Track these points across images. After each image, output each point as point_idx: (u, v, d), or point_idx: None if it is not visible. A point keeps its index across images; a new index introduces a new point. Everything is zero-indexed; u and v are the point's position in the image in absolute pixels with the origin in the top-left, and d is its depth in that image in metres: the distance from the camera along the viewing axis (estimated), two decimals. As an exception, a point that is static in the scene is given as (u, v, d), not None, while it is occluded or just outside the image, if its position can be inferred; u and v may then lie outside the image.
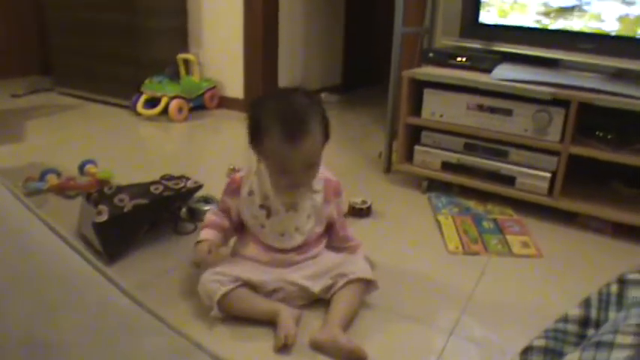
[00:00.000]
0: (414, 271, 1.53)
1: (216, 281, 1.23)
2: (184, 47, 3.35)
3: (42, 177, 1.93)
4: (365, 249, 1.43)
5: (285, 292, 1.27)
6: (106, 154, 2.31)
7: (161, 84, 3.04)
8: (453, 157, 2.00)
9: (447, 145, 2.01)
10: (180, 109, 3.03)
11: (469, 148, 1.97)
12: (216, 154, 2.62)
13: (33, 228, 0.46)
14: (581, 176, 1.92)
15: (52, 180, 1.92)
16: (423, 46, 2.43)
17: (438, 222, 1.83)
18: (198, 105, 3.22)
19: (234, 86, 3.34)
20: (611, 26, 1.80)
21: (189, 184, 1.67)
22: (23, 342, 0.40)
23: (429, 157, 2.04)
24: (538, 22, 1.93)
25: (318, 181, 1.31)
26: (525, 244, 1.69)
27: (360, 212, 1.85)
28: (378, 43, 3.95)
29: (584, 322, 0.63)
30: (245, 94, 3.29)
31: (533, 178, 1.85)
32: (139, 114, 3.06)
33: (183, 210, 1.76)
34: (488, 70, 1.95)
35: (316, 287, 1.28)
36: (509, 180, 1.90)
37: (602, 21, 1.81)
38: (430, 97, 2.00)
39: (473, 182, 1.97)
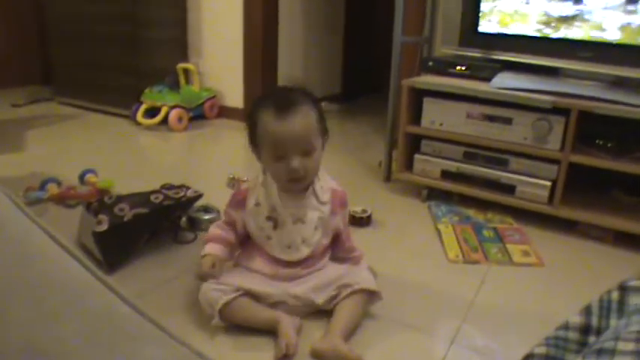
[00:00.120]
0: (415, 280, 1.53)
1: (218, 290, 1.23)
2: (184, 57, 3.36)
3: (42, 186, 1.93)
4: (365, 258, 1.43)
5: (288, 306, 1.27)
6: (106, 164, 2.32)
7: (161, 93, 3.04)
8: (453, 166, 2.00)
9: (446, 153, 2.02)
10: (180, 119, 3.04)
11: (469, 157, 1.98)
12: (216, 164, 2.62)
13: (34, 236, 0.46)
14: (581, 185, 1.92)
15: (53, 189, 1.92)
16: (423, 55, 2.44)
17: (438, 231, 1.83)
18: (197, 114, 3.22)
19: (234, 96, 3.34)
20: (612, 35, 1.80)
21: (190, 193, 1.67)
22: (23, 350, 0.40)
23: (429, 166, 2.04)
24: (539, 31, 1.93)
25: (325, 192, 1.31)
26: (526, 253, 1.69)
27: (360, 221, 1.85)
28: (377, 52, 3.97)
29: (585, 330, 0.62)
30: (245, 104, 3.30)
31: (534, 186, 1.85)
32: (139, 123, 3.06)
33: (184, 219, 1.76)
34: (488, 79, 1.96)
35: (320, 299, 1.28)
36: (509, 188, 1.90)
37: (604, 30, 1.81)
38: (430, 106, 2.01)
39: (473, 191, 1.97)
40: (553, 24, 1.90)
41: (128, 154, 2.67)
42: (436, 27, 2.42)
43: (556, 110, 1.76)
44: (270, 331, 1.21)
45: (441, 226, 1.85)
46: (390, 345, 1.23)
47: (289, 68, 3.50)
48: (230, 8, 3.19)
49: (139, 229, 1.55)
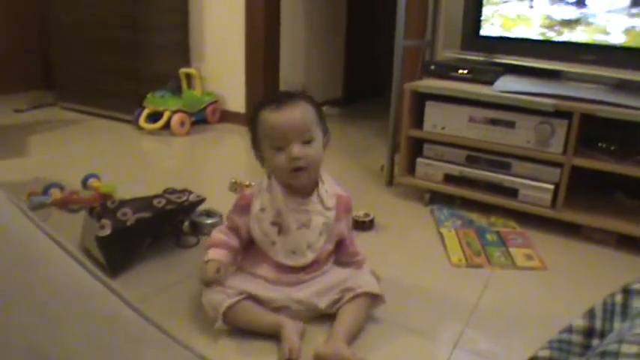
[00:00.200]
0: (417, 284, 1.53)
1: (221, 293, 1.23)
2: (186, 62, 3.37)
3: (45, 191, 1.94)
4: (368, 262, 1.42)
5: (291, 311, 1.26)
6: (108, 168, 2.32)
7: (163, 98, 3.05)
8: (456, 170, 2.00)
9: (449, 157, 2.01)
10: (182, 123, 3.04)
11: (471, 161, 1.97)
12: (218, 168, 2.63)
13: (37, 240, 0.46)
14: (584, 188, 1.92)
15: (56, 194, 1.93)
16: (425, 58, 2.44)
17: (440, 234, 1.83)
18: (200, 119, 3.23)
19: (236, 100, 3.35)
20: (617, 39, 1.80)
21: (192, 197, 1.67)
22: (26, 354, 0.40)
23: (431, 170, 2.04)
24: (542, 34, 1.93)
25: (330, 197, 1.31)
26: (529, 257, 1.69)
27: (362, 225, 1.85)
28: (379, 56, 3.97)
29: (589, 333, 0.62)
30: (247, 109, 3.30)
31: (536, 190, 1.85)
32: (141, 128, 3.07)
33: (186, 223, 1.76)
34: (490, 82, 1.96)
35: (322, 303, 1.27)
36: (512, 192, 1.89)
37: (608, 34, 1.80)
38: (432, 110, 2.01)
39: (475, 195, 1.96)
40: (556, 27, 1.90)
41: (131, 159, 2.67)
42: (438, 30, 2.43)
43: (559, 113, 1.76)
44: (273, 335, 1.21)
45: (443, 230, 1.85)
46: (393, 349, 1.23)
47: (291, 71, 3.51)
48: (232, 12, 3.20)
49: (142, 233, 1.55)
